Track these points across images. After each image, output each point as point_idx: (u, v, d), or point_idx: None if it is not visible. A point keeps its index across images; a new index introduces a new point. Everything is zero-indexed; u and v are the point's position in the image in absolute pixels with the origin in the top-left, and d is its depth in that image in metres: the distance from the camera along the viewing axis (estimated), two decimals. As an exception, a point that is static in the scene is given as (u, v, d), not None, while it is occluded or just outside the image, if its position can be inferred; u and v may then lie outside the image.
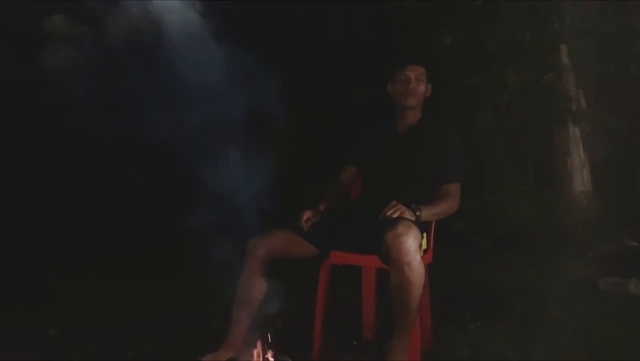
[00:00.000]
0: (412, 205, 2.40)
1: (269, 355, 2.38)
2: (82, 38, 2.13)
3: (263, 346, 2.39)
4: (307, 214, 2.48)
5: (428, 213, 2.45)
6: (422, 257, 2.27)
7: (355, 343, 2.71)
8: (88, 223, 4.08)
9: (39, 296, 3.22)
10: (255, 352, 2.37)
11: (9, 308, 3.06)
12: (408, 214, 2.35)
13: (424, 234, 2.44)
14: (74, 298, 3.33)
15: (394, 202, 2.37)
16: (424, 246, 2.42)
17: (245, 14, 3.93)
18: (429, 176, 2.59)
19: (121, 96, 2.22)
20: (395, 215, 2.32)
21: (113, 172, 4.04)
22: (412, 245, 2.20)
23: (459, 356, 2.54)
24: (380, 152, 2.66)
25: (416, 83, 2.60)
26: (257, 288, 2.44)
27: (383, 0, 4.40)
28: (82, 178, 4.13)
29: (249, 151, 2.30)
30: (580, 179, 4.09)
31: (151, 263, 3.74)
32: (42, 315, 2.96)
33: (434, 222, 2.57)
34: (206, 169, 2.24)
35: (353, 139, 2.80)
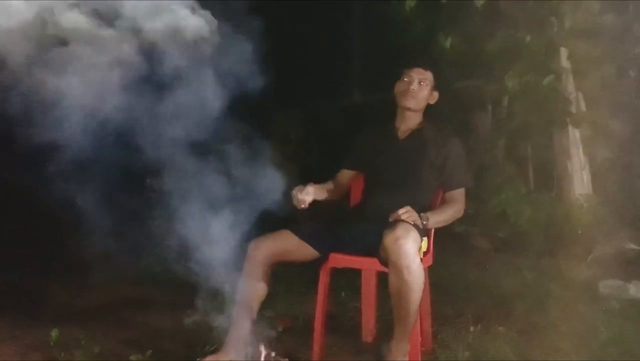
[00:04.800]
0: (421, 214, 2.41)
1: (269, 358, 2.39)
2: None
3: (263, 348, 2.40)
4: (308, 188, 2.43)
5: (434, 221, 2.47)
6: (422, 260, 2.27)
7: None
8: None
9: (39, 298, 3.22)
10: (255, 354, 2.38)
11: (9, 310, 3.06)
12: (418, 222, 2.36)
13: (424, 238, 2.44)
14: (75, 300, 3.34)
15: (408, 207, 2.37)
16: (424, 248, 2.42)
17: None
18: (430, 180, 2.59)
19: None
20: (404, 218, 2.32)
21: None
22: (411, 248, 2.20)
23: (459, 358, 2.54)
24: (381, 156, 2.65)
25: (419, 86, 2.59)
26: (257, 290, 2.44)
27: (383, 2, 4.40)
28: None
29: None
30: (580, 182, 4.08)
31: (151, 264, 3.75)
32: (43, 317, 2.96)
33: (433, 225, 2.57)
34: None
35: (353, 142, 2.80)
